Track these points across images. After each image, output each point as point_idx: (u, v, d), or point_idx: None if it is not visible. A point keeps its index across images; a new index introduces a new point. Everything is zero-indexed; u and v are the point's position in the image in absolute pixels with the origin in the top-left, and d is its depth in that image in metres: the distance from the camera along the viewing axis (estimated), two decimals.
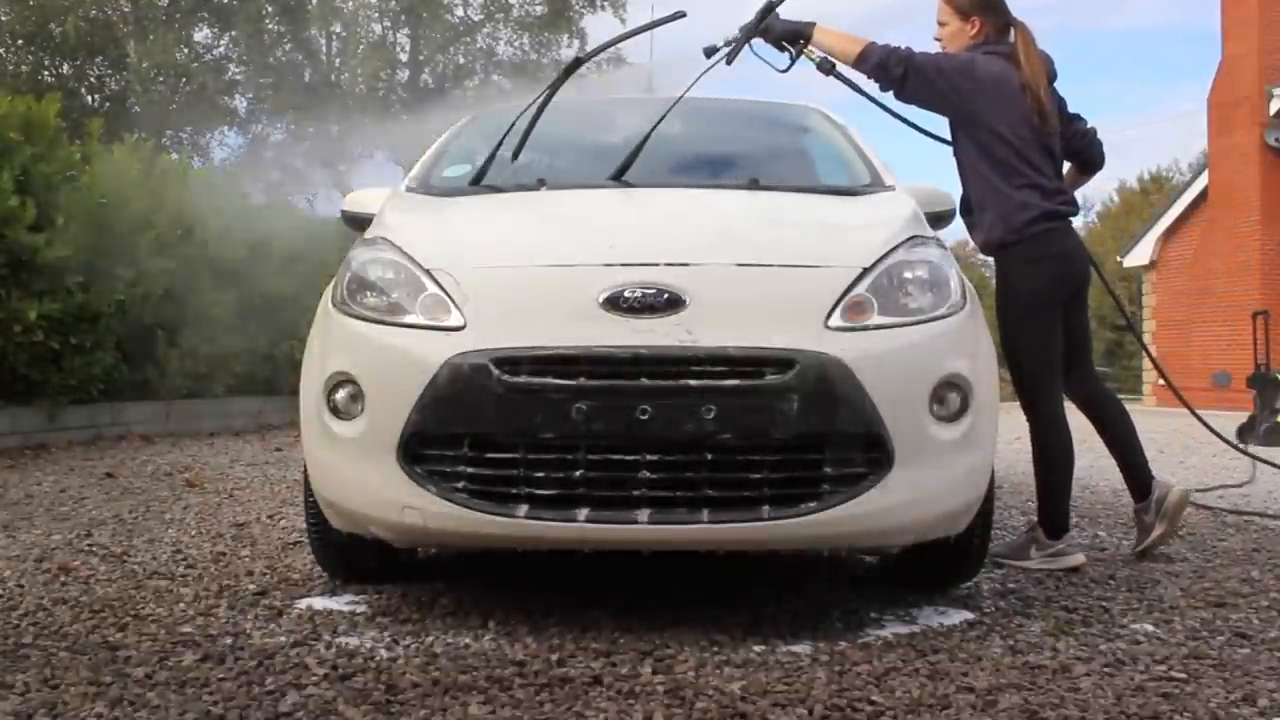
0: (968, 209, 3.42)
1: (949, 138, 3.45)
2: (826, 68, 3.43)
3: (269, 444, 7.84)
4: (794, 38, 3.39)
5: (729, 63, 3.41)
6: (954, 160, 3.43)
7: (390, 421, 2.46)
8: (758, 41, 3.45)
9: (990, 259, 3.52)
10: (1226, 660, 2.37)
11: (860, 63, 3.28)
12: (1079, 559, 3.31)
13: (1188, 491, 3.42)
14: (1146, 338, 19.39)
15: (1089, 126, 3.57)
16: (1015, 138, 3.25)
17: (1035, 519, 3.38)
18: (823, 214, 3.05)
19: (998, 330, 3.23)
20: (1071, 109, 3.53)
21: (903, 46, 3.27)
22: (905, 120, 3.55)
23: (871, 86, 3.41)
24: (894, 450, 2.44)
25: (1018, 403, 3.38)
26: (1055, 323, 3.31)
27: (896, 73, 3.23)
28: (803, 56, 3.42)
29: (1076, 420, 3.37)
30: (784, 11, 3.43)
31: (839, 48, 3.33)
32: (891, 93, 3.32)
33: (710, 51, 3.42)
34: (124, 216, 7.87)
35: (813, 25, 3.37)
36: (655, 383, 2.36)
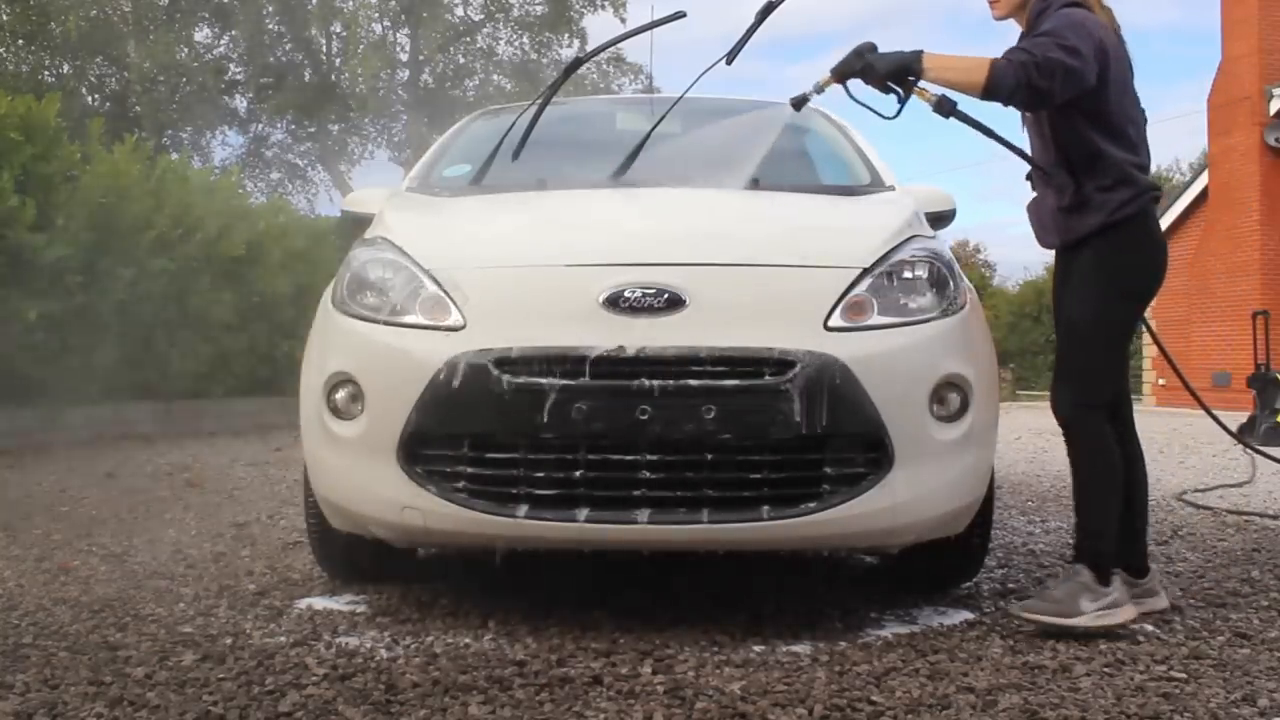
0: (1077, 192, 2.73)
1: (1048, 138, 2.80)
2: (947, 107, 2.74)
3: (269, 444, 7.83)
4: (901, 74, 2.71)
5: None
6: (1055, 145, 2.78)
7: (390, 421, 2.46)
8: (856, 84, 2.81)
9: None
10: (1226, 660, 2.37)
11: (991, 93, 2.63)
12: (1132, 611, 2.65)
13: (1168, 607, 2.83)
14: (1145, 337, 19.40)
15: None
16: (1130, 102, 2.77)
17: (1073, 557, 2.73)
18: (823, 214, 3.05)
19: (1071, 320, 2.77)
20: None
21: (1024, 49, 2.64)
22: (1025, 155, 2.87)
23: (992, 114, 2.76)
24: (894, 450, 2.44)
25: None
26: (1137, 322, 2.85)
27: (1043, 86, 2.60)
28: (913, 97, 2.75)
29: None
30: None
31: (958, 77, 2.69)
32: (1031, 110, 2.76)
33: (800, 102, 2.92)
34: (124, 216, 7.88)
35: (919, 55, 2.70)
36: (655, 383, 2.36)
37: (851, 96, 2.82)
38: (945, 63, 2.70)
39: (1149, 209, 2.77)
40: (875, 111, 2.82)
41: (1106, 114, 2.71)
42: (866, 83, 2.76)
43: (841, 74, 2.77)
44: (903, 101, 2.77)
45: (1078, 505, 2.73)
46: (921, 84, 2.72)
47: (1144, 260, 2.76)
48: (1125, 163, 2.71)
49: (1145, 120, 2.85)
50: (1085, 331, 2.73)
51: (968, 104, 2.76)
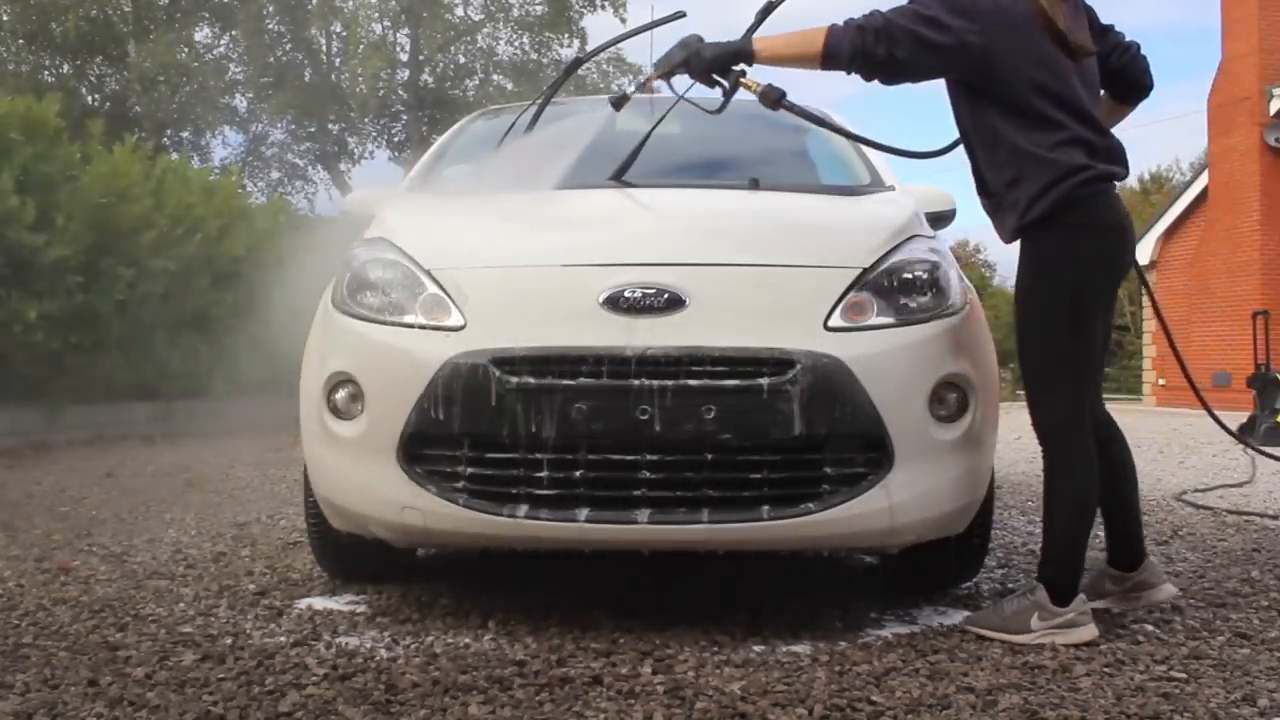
0: (986, 189, 2.61)
1: (955, 122, 2.65)
2: (774, 96, 2.61)
3: (269, 444, 7.83)
4: (727, 65, 2.56)
5: (651, 88, 2.92)
6: (960, 132, 2.66)
7: (390, 421, 2.46)
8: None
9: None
10: (1226, 660, 2.37)
11: (831, 60, 2.46)
12: (1092, 631, 2.50)
13: (1175, 594, 2.79)
14: (1146, 337, 19.40)
15: (1130, 41, 2.72)
16: (1047, 75, 2.47)
17: (1036, 575, 2.62)
18: (823, 214, 3.04)
19: (1017, 331, 2.60)
20: None
21: (869, 14, 2.46)
22: (892, 149, 2.88)
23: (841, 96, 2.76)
24: (894, 450, 2.44)
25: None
26: (1098, 319, 2.57)
27: (880, 53, 2.43)
28: (740, 89, 2.61)
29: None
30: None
31: (795, 51, 2.51)
32: (881, 80, 2.51)
33: (620, 102, 2.83)
34: (124, 216, 7.88)
35: (749, 41, 2.54)
36: (655, 383, 2.36)
37: (675, 92, 2.73)
38: (779, 42, 2.53)
39: (1071, 197, 2.45)
40: (699, 106, 2.76)
41: (1006, 92, 2.47)
42: (691, 77, 2.63)
43: (666, 70, 2.64)
44: (728, 95, 2.63)
45: (1045, 527, 2.62)
46: (748, 74, 2.56)
47: (1074, 254, 2.49)
48: (1029, 148, 2.46)
49: (1098, 89, 2.61)
50: (1028, 346, 2.58)
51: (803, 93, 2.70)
